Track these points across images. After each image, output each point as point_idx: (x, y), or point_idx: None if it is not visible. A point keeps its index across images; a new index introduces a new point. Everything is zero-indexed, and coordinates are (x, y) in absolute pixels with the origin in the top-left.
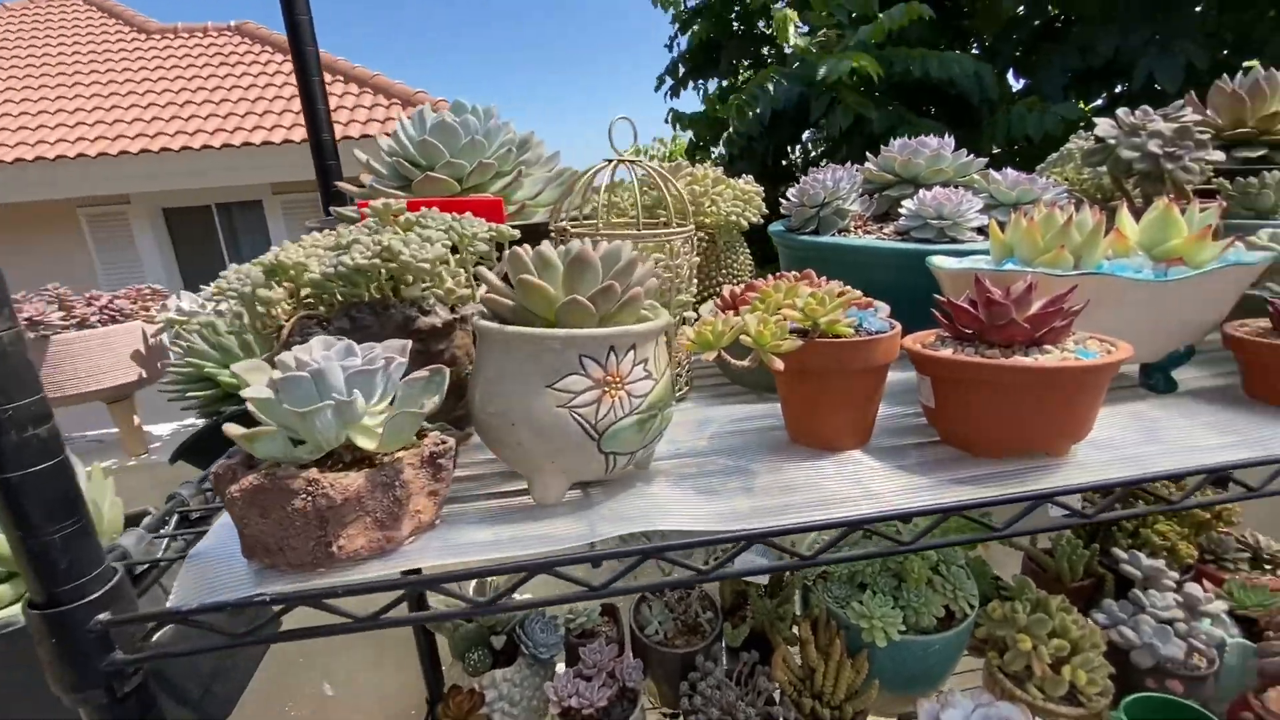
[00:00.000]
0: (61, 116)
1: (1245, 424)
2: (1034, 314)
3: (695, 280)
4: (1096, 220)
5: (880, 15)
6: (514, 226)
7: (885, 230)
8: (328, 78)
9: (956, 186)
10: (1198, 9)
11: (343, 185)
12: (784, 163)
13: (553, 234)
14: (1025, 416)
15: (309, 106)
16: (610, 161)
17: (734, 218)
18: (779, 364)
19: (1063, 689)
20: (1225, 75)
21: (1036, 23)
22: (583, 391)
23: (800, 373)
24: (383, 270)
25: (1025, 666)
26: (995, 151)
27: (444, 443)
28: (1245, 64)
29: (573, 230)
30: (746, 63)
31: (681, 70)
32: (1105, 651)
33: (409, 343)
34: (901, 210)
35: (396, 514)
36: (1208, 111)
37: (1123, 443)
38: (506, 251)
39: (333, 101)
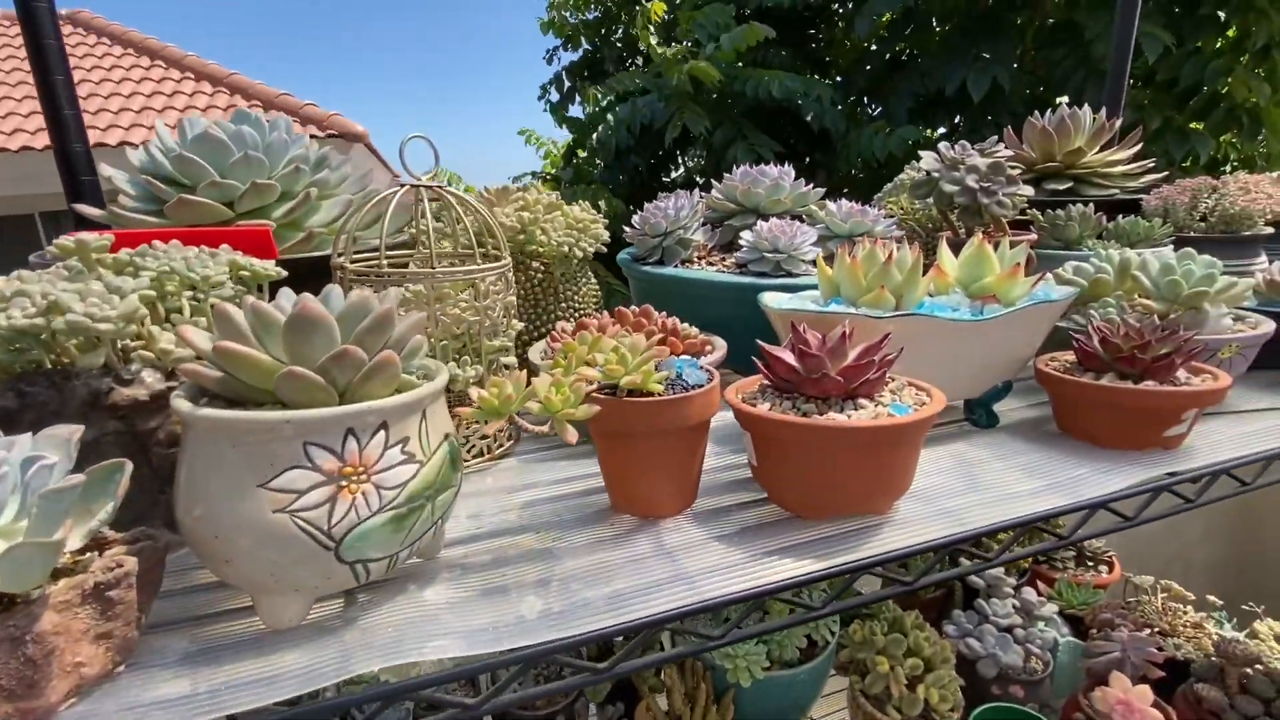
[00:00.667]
0: None
1: (1056, 465)
2: (848, 366)
3: (514, 319)
4: (915, 257)
5: (722, 36)
6: (302, 259)
7: (727, 261)
8: (175, 75)
9: (797, 216)
10: (1018, 50)
11: (82, 208)
12: (665, 179)
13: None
14: (842, 477)
15: (52, 111)
16: (405, 186)
17: (567, 248)
18: (572, 435)
19: (918, 708)
20: (1036, 112)
21: (887, 56)
22: (308, 490)
23: (610, 435)
24: (53, 332)
25: (885, 688)
26: (854, 174)
27: (117, 566)
28: (1057, 100)
29: (350, 269)
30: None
31: (567, 84)
32: (956, 664)
33: (79, 428)
34: (740, 241)
35: (33, 679)
36: (1023, 147)
37: (945, 492)
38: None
39: (181, 101)
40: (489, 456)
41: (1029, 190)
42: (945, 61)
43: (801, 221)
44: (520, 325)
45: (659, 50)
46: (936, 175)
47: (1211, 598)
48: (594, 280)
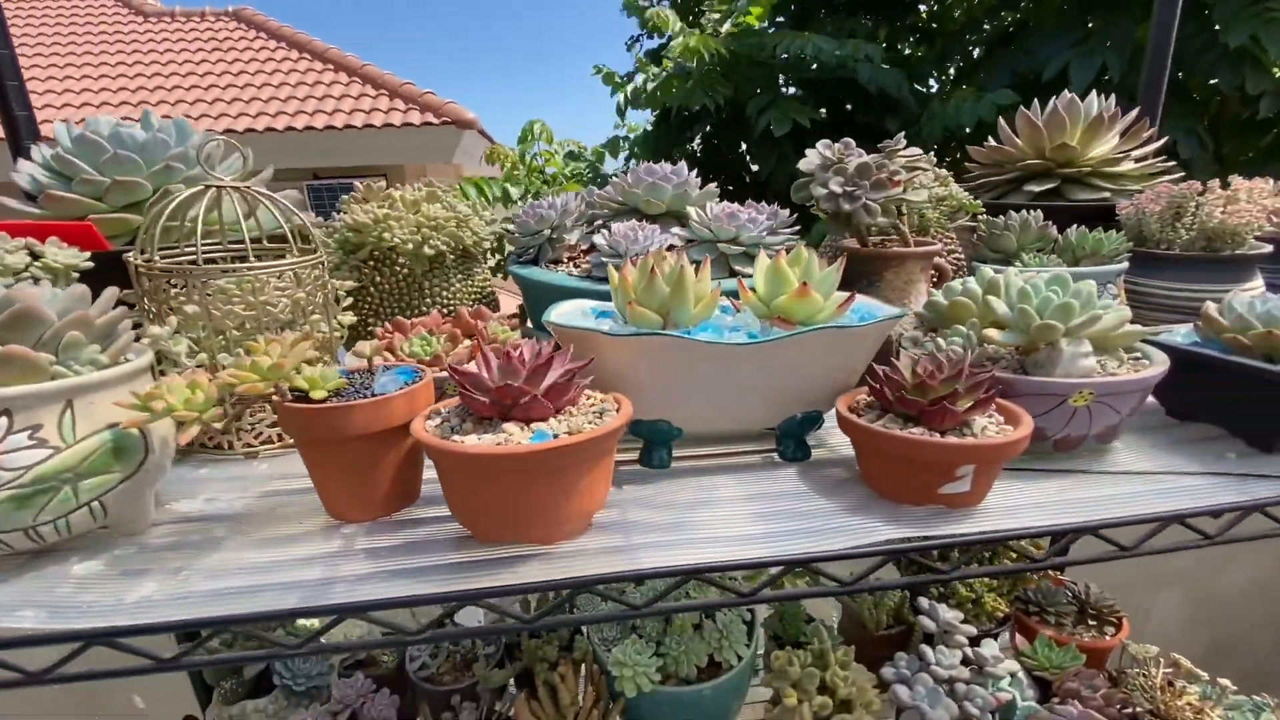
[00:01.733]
0: (49, 98)
1: (803, 511)
2: (500, 388)
3: (332, 315)
4: (680, 269)
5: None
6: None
7: (585, 264)
8: (319, 67)
9: (683, 219)
10: (1138, 29)
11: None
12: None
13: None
14: (487, 503)
15: None
16: (209, 188)
17: (413, 246)
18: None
19: None
20: (1036, 102)
21: (984, 28)
22: None
23: (294, 437)
24: None
25: None
26: (944, 144)
27: None
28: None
29: (144, 267)
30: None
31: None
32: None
33: None
34: (595, 244)
35: None
36: (1018, 140)
37: (644, 527)
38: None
39: (320, 90)
40: (279, 445)
41: (921, 195)
42: (1051, 39)
43: (683, 225)
44: (353, 319)
45: (675, 29)
46: (811, 176)
47: (1225, 681)
48: (474, 278)
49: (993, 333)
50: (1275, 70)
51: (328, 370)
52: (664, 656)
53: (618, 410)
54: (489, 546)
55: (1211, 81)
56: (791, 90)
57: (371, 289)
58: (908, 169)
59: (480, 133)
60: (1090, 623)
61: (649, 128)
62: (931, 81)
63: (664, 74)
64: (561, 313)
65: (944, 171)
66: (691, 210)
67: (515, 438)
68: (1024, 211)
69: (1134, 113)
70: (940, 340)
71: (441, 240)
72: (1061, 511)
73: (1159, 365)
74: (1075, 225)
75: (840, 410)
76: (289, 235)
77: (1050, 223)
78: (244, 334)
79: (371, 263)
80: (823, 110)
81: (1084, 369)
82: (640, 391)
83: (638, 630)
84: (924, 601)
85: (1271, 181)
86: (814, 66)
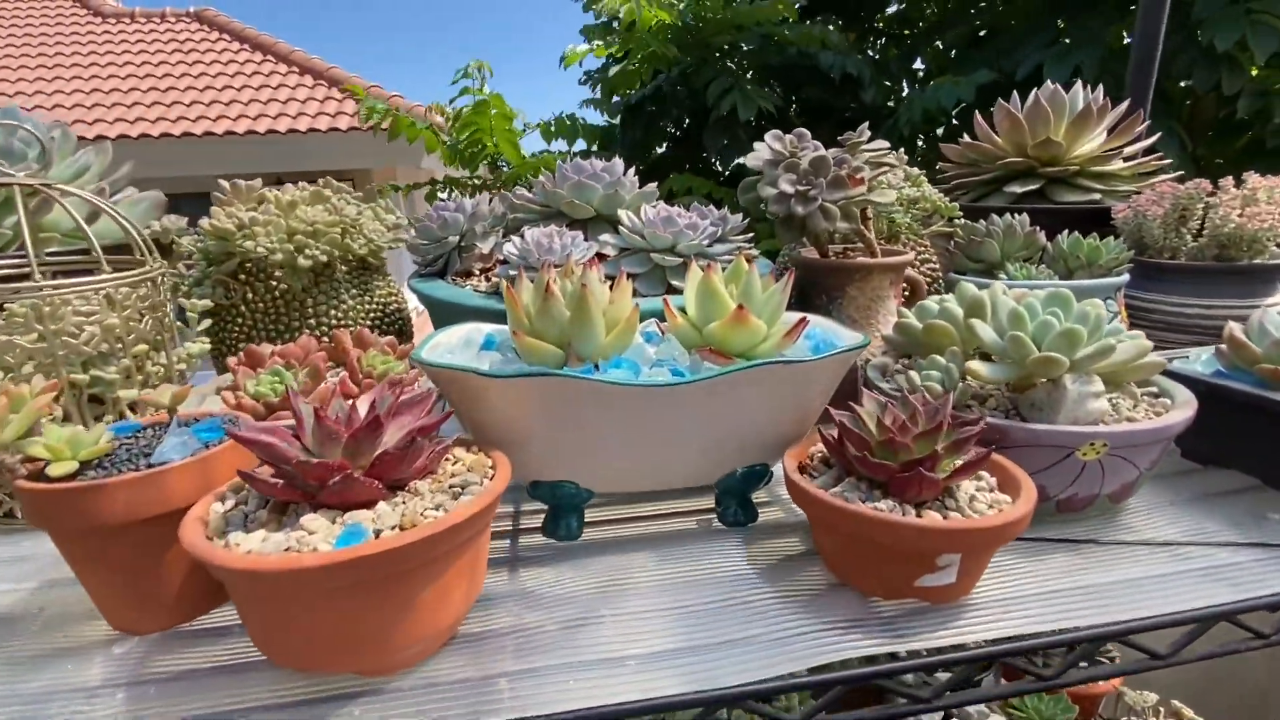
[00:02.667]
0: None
1: (715, 610)
2: (318, 465)
3: (168, 348)
4: (584, 291)
5: None
6: None
7: (497, 278)
8: (283, 69)
9: (616, 224)
10: (1112, 28)
11: None
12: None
13: None
14: (293, 629)
15: None
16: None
17: (282, 256)
18: None
19: None
20: (1016, 95)
21: (946, 27)
22: None
23: (51, 531)
24: None
25: None
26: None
27: None
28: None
29: None
30: None
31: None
32: None
33: None
34: (506, 253)
35: None
36: (996, 136)
37: (519, 642)
38: None
39: (284, 94)
40: None
41: (887, 197)
42: (1023, 41)
43: (617, 231)
44: (204, 347)
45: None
46: (756, 178)
47: None
48: (386, 291)
49: (978, 366)
50: (1253, 70)
51: (82, 434)
52: None
53: (490, 477)
54: (310, 676)
55: (1183, 84)
56: (747, 74)
57: (243, 308)
58: (873, 165)
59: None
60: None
61: (615, 123)
62: (902, 83)
63: (613, 62)
64: (440, 344)
65: (916, 170)
66: (623, 214)
67: (315, 538)
68: (1008, 215)
69: (1124, 105)
70: (914, 374)
71: (321, 249)
72: (1073, 604)
73: (1184, 408)
74: (1067, 231)
75: (788, 470)
76: (138, 245)
77: (1038, 229)
78: (41, 369)
79: (242, 276)
80: (792, 97)
81: (1094, 413)
82: (535, 446)
83: None
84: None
85: None
86: (775, 50)
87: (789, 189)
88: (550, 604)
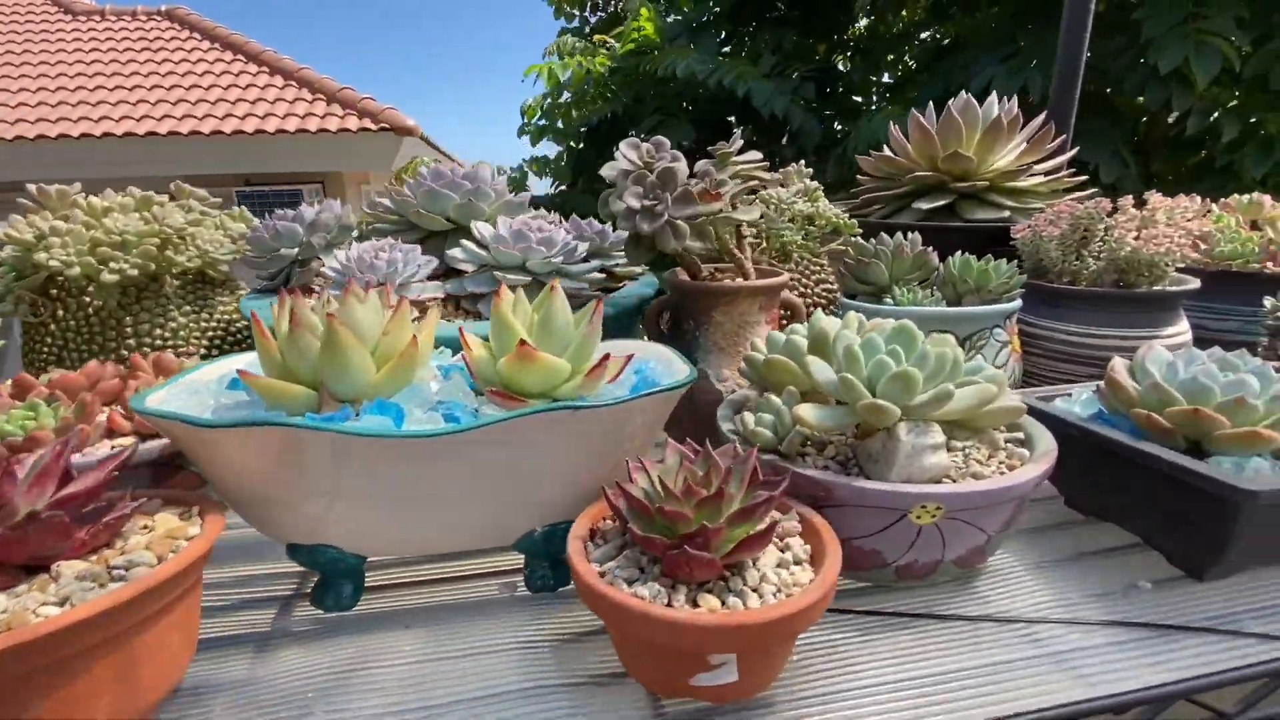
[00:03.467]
0: None
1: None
2: None
3: None
4: (330, 324)
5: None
6: None
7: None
8: (253, 69)
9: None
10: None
11: None
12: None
13: None
14: None
15: None
16: None
17: (78, 270)
18: None
19: None
20: (931, 106)
21: (924, 37)
22: None
23: None
24: None
25: None
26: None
27: None
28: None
29: None
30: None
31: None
32: None
33: None
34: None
35: None
36: (909, 148)
37: None
38: None
39: (253, 94)
40: None
41: (751, 214)
42: (983, 54)
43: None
44: None
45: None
46: (611, 190)
47: None
48: (230, 307)
49: (805, 411)
50: (1200, 87)
51: None
52: None
53: (182, 546)
54: None
55: (1138, 100)
56: (687, 108)
57: (53, 326)
58: (744, 178)
59: (423, 139)
60: None
61: (576, 147)
62: (857, 96)
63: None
64: (191, 383)
65: (815, 185)
66: (475, 226)
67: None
68: (898, 235)
69: (1039, 118)
70: (748, 415)
71: (131, 262)
72: (892, 703)
73: (1039, 462)
74: (960, 253)
75: (573, 538)
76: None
77: (930, 248)
78: None
79: (54, 291)
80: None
81: (931, 468)
82: (280, 506)
83: None
84: None
85: (1198, 200)
86: (699, 86)
87: (635, 203)
88: (256, 704)
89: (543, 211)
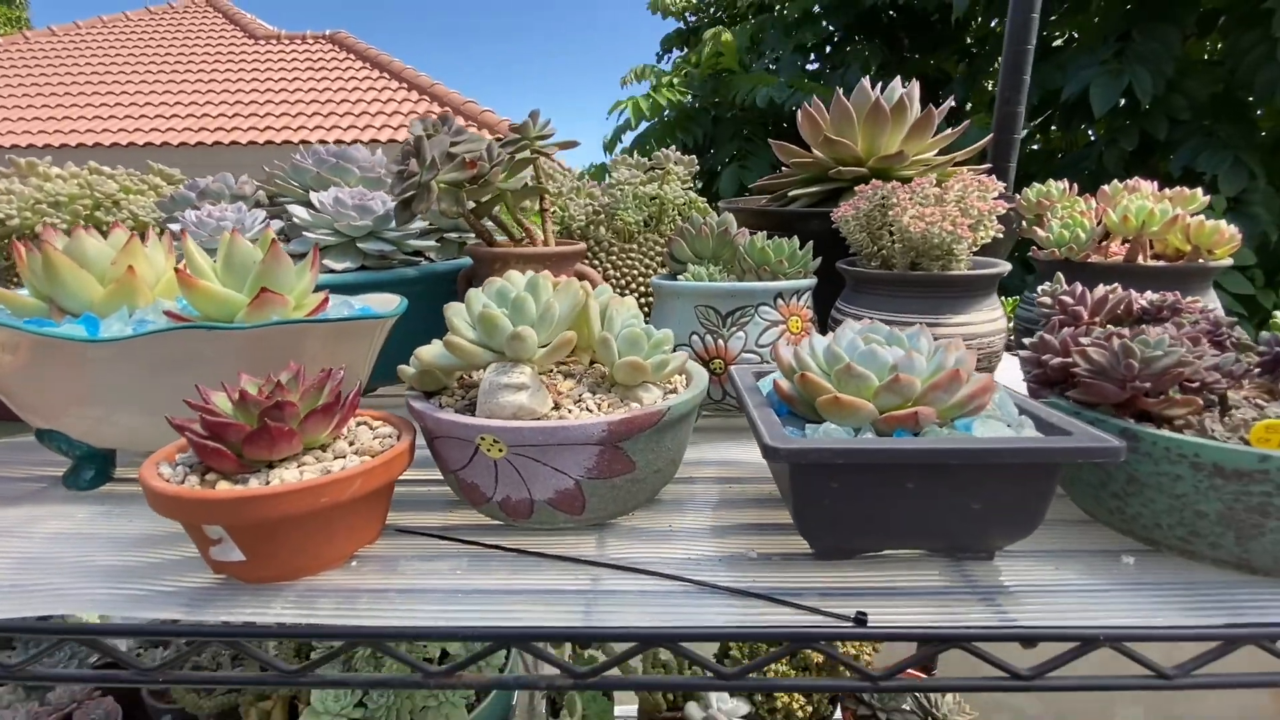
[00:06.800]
0: (162, 109)
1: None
2: None
3: None
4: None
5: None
6: None
7: None
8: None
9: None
10: (1185, 39)
11: None
12: None
13: None
14: None
15: None
16: None
17: (37, 227)
18: None
19: None
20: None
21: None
22: None
23: None
24: None
25: None
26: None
27: None
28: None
29: None
30: None
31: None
32: None
33: None
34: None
35: None
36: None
37: None
38: None
39: (391, 107)
40: None
41: (511, 185)
42: (1084, 54)
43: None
44: None
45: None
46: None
47: None
48: None
49: (423, 351)
50: None
51: None
52: (366, 707)
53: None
54: None
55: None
56: (769, 130)
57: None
58: (530, 153)
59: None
60: None
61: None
62: (967, 104)
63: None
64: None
65: (679, 168)
66: (313, 195)
67: None
68: (709, 216)
69: (924, 107)
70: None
71: (62, 218)
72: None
73: (626, 411)
74: (764, 234)
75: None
76: None
77: (743, 231)
78: None
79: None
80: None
81: (507, 407)
82: (14, 396)
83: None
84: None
85: (1065, 184)
86: (780, 114)
87: (393, 168)
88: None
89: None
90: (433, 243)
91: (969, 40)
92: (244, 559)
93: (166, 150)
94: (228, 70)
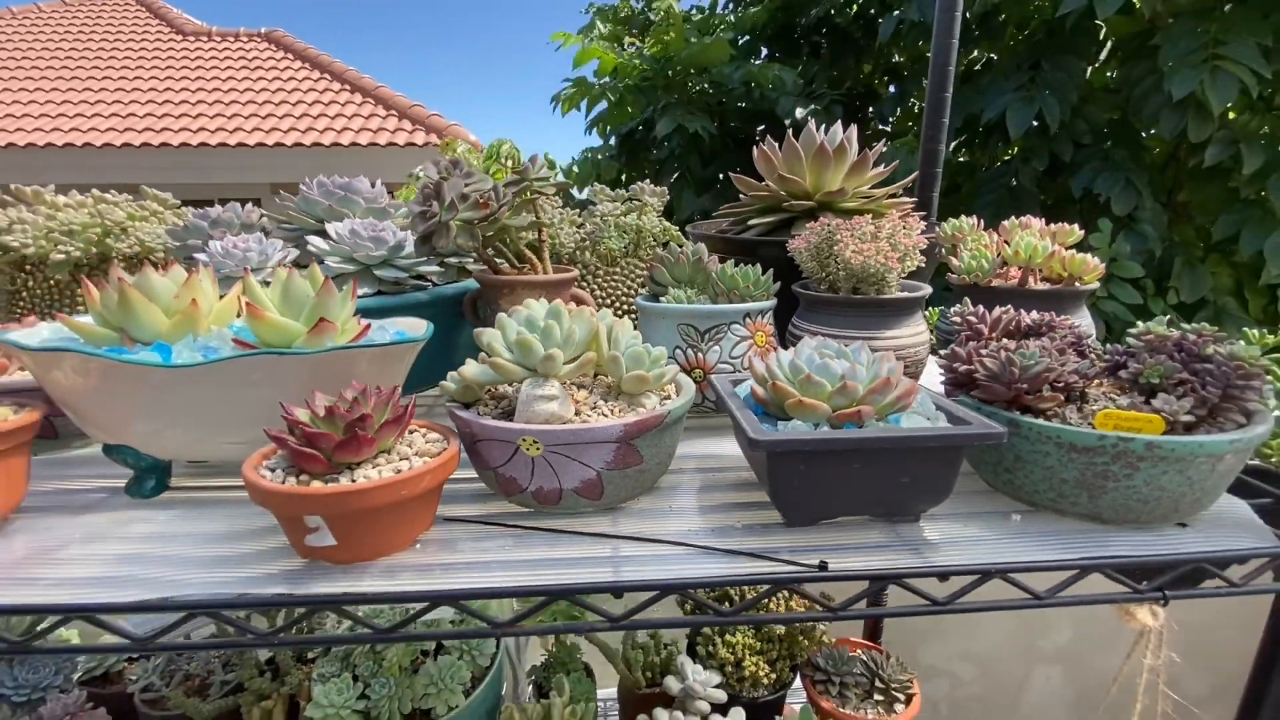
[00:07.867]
0: (83, 108)
1: None
2: None
3: None
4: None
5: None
6: None
7: None
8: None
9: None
10: (1087, 68)
11: None
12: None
13: None
14: None
15: None
16: None
17: (55, 253)
18: None
19: None
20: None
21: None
22: None
23: None
24: None
25: None
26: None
27: None
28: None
29: None
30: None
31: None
32: None
33: None
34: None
35: None
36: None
37: None
38: None
39: (334, 110)
40: None
41: (517, 221)
42: (1000, 80)
43: None
44: None
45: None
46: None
47: None
48: None
49: (467, 369)
50: (1218, 116)
51: None
52: (368, 700)
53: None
54: None
55: (1152, 131)
56: (713, 104)
57: (24, 294)
58: (532, 193)
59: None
60: (877, 697)
61: (612, 148)
62: (884, 125)
63: (609, 95)
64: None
65: (653, 200)
66: (329, 226)
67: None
68: (685, 245)
69: (861, 148)
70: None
71: (76, 246)
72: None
73: (636, 414)
74: (732, 261)
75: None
76: None
77: (714, 258)
78: None
79: (27, 267)
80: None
81: (541, 414)
82: (87, 414)
83: (355, 669)
84: (683, 660)
85: (976, 220)
86: (722, 95)
87: (416, 209)
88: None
89: None
90: (436, 267)
91: (896, 58)
92: (335, 544)
93: (90, 152)
94: (154, 68)
